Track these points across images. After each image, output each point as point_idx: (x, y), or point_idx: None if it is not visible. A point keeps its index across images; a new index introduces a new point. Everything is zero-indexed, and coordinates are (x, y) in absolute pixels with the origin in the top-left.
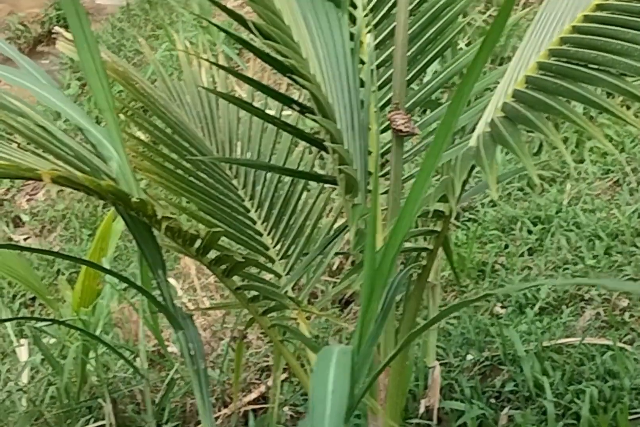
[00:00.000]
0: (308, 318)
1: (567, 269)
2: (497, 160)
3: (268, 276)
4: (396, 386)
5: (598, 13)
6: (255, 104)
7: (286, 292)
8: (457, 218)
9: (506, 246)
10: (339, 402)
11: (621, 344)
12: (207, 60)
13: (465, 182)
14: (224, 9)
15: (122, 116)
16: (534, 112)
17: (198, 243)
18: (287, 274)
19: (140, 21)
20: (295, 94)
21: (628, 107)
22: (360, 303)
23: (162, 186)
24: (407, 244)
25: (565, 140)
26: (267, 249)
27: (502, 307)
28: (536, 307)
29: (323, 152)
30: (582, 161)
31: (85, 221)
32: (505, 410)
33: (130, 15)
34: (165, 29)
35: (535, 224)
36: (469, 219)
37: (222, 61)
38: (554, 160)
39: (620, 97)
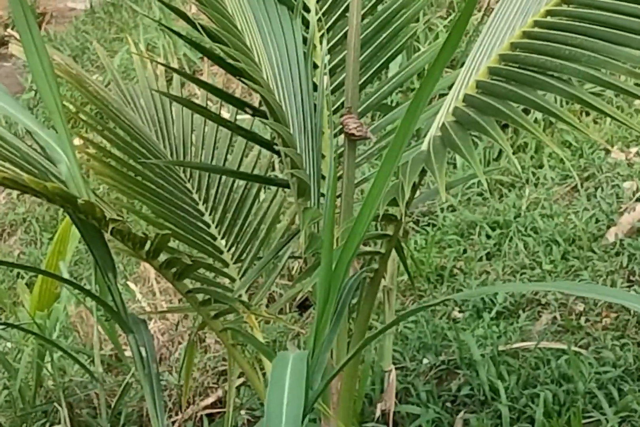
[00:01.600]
0: (267, 322)
1: (524, 273)
2: (456, 164)
3: (225, 280)
4: (349, 390)
5: (548, 18)
6: (213, 108)
7: (240, 295)
8: (416, 223)
9: (465, 251)
10: (294, 414)
11: (576, 349)
12: (161, 63)
13: (416, 186)
14: (178, 12)
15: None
16: (484, 116)
17: (147, 246)
18: (242, 277)
19: (105, 24)
20: (255, 98)
21: (587, 113)
22: (316, 306)
23: (116, 189)
24: (361, 248)
25: (525, 145)
26: (222, 252)
27: (459, 311)
28: (493, 312)
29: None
30: (541, 166)
31: (46, 224)
32: (461, 414)
33: (95, 18)
34: (125, 32)
35: (493, 229)
36: (428, 224)
37: (176, 64)
38: (513, 165)
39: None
